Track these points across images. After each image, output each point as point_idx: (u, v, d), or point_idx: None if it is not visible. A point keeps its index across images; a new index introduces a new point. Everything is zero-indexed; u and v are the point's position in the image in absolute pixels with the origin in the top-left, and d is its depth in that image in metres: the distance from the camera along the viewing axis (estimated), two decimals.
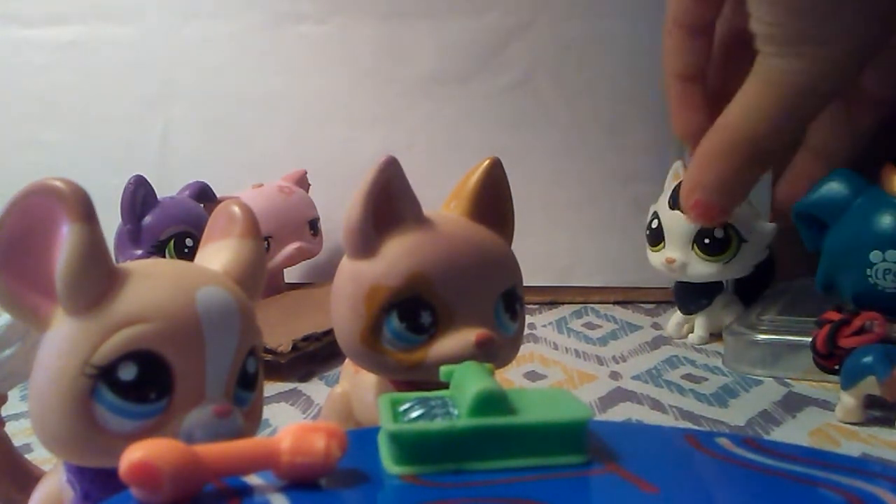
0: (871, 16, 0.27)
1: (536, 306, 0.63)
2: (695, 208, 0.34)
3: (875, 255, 0.37)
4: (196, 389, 0.21)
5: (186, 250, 0.52)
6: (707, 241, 0.49)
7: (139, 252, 0.53)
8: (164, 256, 0.52)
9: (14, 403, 0.32)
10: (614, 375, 0.46)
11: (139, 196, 0.53)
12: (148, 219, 0.54)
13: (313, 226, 0.62)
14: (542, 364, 0.49)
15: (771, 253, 0.51)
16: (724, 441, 0.22)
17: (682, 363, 0.48)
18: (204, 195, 0.58)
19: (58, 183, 0.20)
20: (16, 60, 0.70)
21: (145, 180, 0.54)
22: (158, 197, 0.55)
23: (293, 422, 0.19)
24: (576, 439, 0.20)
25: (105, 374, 0.20)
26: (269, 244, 0.59)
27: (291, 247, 0.60)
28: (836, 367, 0.38)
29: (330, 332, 0.32)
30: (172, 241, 0.53)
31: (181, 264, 0.24)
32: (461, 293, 0.27)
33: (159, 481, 0.16)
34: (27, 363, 0.21)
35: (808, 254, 0.42)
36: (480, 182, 0.30)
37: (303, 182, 0.64)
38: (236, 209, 0.25)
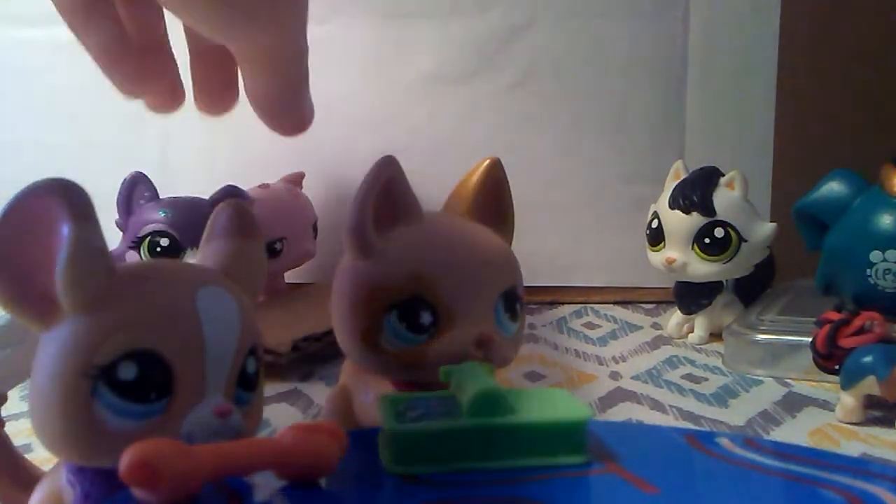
0: None
1: (536, 306, 0.63)
2: None
3: (875, 255, 0.37)
4: (196, 389, 0.21)
5: (159, 249, 0.52)
6: (707, 240, 0.49)
7: (122, 248, 0.53)
8: (140, 254, 0.52)
9: (14, 403, 0.32)
10: (614, 375, 0.46)
11: (133, 192, 0.54)
12: (134, 215, 0.54)
13: (315, 228, 0.63)
14: (542, 364, 0.49)
15: (771, 253, 0.51)
16: (724, 441, 0.22)
17: (682, 363, 0.48)
18: (231, 197, 0.57)
19: (58, 183, 0.20)
20: (16, 60, 0.70)
21: (143, 177, 0.54)
22: (161, 195, 0.55)
23: (293, 422, 0.19)
24: (576, 439, 0.21)
25: (105, 374, 0.20)
26: (282, 246, 0.59)
27: (301, 248, 0.60)
28: (836, 367, 0.38)
29: (330, 332, 0.32)
30: (147, 240, 0.53)
31: (182, 264, 0.24)
32: (461, 293, 0.27)
33: (159, 481, 0.16)
34: (27, 363, 0.21)
35: (808, 254, 0.42)
36: (480, 182, 0.30)
37: (300, 184, 0.64)
38: (237, 209, 0.25)
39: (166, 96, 0.31)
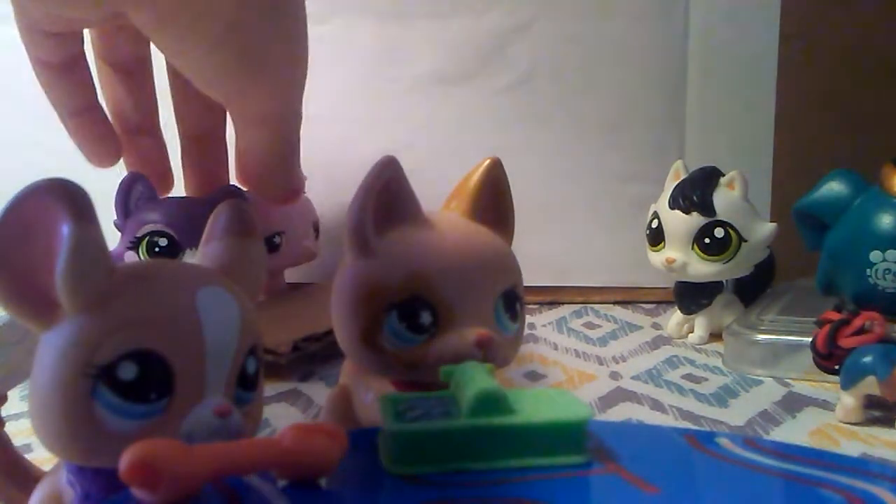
0: None
1: (536, 306, 0.63)
2: None
3: (875, 255, 0.37)
4: (196, 389, 0.21)
5: (157, 249, 0.52)
6: (707, 240, 0.49)
7: (120, 248, 0.53)
8: (139, 254, 0.52)
9: (14, 403, 0.32)
10: (614, 375, 0.46)
11: (130, 192, 0.54)
12: (132, 216, 0.54)
13: (316, 228, 0.63)
14: (542, 364, 0.49)
15: (771, 253, 0.51)
16: (724, 441, 0.22)
17: (682, 363, 0.48)
18: (229, 196, 0.57)
19: (58, 183, 0.20)
20: (16, 60, 0.70)
21: (141, 177, 0.54)
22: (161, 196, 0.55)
23: (293, 422, 0.19)
24: (576, 439, 0.21)
25: (105, 374, 0.20)
26: (281, 240, 0.59)
27: (300, 245, 0.60)
28: (836, 367, 0.38)
29: (330, 332, 0.32)
30: (146, 240, 0.53)
31: (181, 264, 0.24)
32: (461, 293, 0.27)
33: (159, 481, 0.16)
34: (27, 363, 0.21)
35: (808, 254, 0.42)
36: (480, 182, 0.30)
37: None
38: (237, 210, 0.25)
39: (152, 178, 0.32)
